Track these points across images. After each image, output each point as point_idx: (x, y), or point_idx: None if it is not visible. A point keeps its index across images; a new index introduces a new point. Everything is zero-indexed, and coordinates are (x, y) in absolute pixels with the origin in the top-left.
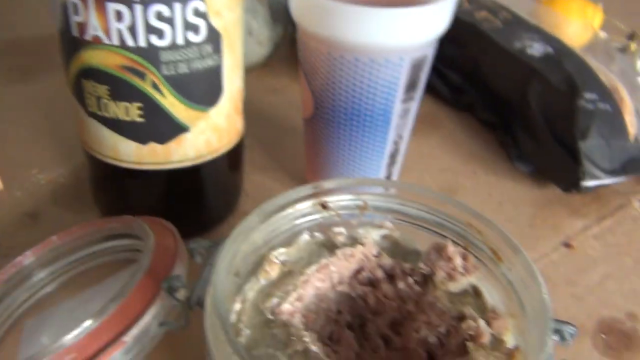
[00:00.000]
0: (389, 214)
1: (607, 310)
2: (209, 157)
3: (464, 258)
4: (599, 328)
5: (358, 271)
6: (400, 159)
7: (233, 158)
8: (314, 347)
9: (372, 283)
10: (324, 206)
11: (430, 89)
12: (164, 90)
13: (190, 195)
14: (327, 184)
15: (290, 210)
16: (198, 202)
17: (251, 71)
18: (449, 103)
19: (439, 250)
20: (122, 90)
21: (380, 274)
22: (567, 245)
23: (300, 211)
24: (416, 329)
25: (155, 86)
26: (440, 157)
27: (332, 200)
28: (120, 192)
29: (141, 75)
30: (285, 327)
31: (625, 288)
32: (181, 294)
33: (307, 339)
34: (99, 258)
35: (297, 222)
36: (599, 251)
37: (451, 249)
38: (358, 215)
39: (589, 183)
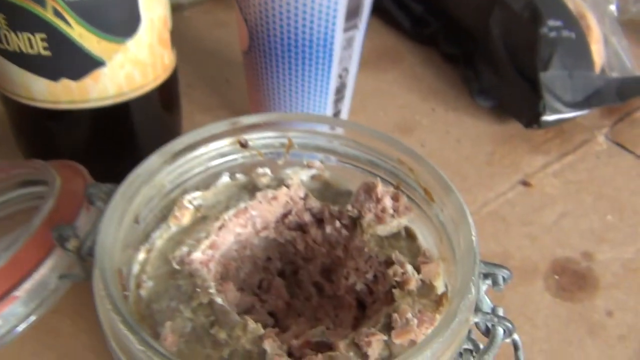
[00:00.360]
0: (317, 152)
1: (562, 250)
2: (133, 95)
3: (395, 198)
4: (552, 269)
5: (285, 215)
6: (348, 94)
7: (165, 96)
8: (219, 299)
9: (302, 228)
10: (243, 145)
11: (390, 20)
12: (70, 19)
13: (117, 137)
14: (246, 120)
15: (203, 150)
16: (127, 145)
17: (201, 3)
18: (411, 36)
19: (368, 190)
20: (21, 19)
21: (308, 217)
22: (525, 183)
23: (217, 151)
24: (345, 276)
25: (58, 14)
26: (398, 94)
27: (253, 138)
28: (41, 135)
29: (40, 2)
30: (191, 278)
31: (583, 227)
32: (72, 244)
33: (212, 290)
34: (8, 208)
35: (214, 162)
36: (558, 189)
37: (380, 189)
38: (283, 155)
39: (550, 117)
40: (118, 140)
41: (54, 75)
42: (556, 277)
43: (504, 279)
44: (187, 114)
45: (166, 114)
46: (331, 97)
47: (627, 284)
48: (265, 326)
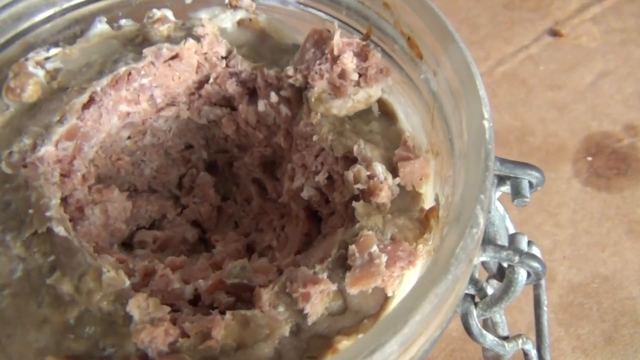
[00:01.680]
0: None
1: (598, 123)
2: None
3: (362, 55)
4: (585, 148)
5: (200, 84)
6: None
7: None
8: (60, 228)
9: (229, 102)
10: None
11: None
12: None
13: None
14: None
15: None
16: None
17: None
18: None
19: (319, 42)
20: None
21: (233, 87)
22: (554, 32)
23: None
24: (290, 175)
25: None
26: None
27: None
28: None
29: None
30: (26, 191)
31: (627, 91)
32: None
33: (50, 213)
34: None
35: (73, 1)
36: (597, 40)
37: (338, 39)
38: None
39: None
40: None
41: None
42: (589, 158)
43: (531, 184)
44: None
45: None
46: None
47: None
48: (183, 242)
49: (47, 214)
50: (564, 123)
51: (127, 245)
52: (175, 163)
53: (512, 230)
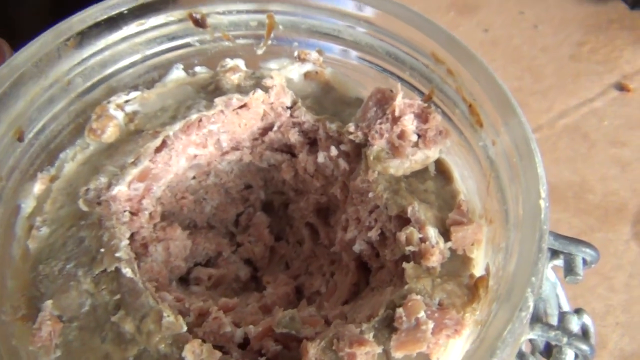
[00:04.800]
0: (314, 38)
1: None
2: None
3: (423, 117)
4: None
5: (264, 131)
6: None
7: None
8: (127, 269)
9: (290, 149)
10: (198, 22)
11: None
12: None
13: None
14: None
15: (133, 28)
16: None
17: None
18: None
19: (382, 102)
20: None
21: (295, 137)
22: (622, 87)
23: (159, 30)
24: (344, 225)
25: None
26: None
27: (212, 11)
28: None
29: None
30: (98, 229)
31: None
32: None
33: (120, 254)
34: None
35: (156, 49)
36: None
37: (400, 101)
38: (263, 40)
39: None
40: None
41: None
42: None
43: (584, 262)
44: None
45: None
46: None
47: None
48: (236, 280)
49: (117, 254)
50: (626, 181)
51: (184, 279)
52: (234, 202)
53: (563, 299)
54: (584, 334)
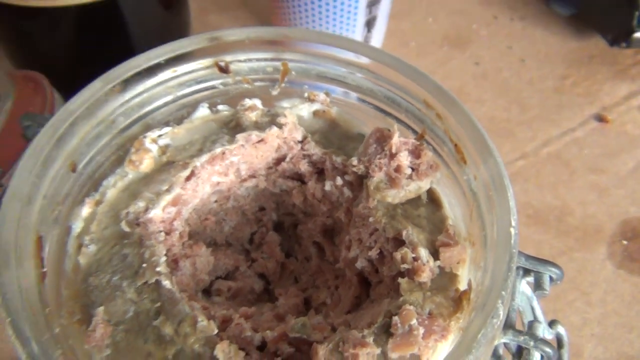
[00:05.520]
0: (322, 82)
1: (636, 209)
2: None
3: (416, 153)
4: (621, 232)
5: (278, 161)
6: None
7: None
8: (166, 282)
9: (300, 177)
10: (223, 69)
11: None
12: None
13: (104, 41)
14: (228, 36)
15: (168, 74)
16: (118, 52)
17: None
18: None
19: (381, 140)
20: None
21: (305, 167)
22: (601, 118)
23: (189, 75)
24: (347, 245)
25: None
26: None
27: (237, 60)
28: (18, 39)
29: None
30: (140, 247)
31: None
32: None
33: (160, 268)
34: None
35: (186, 90)
36: None
37: (397, 139)
38: (278, 83)
39: None
40: (107, 46)
41: None
42: (625, 242)
43: (551, 279)
44: (199, 13)
45: (167, 14)
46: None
47: None
48: (251, 292)
49: (157, 269)
50: (603, 206)
51: (206, 291)
52: (249, 222)
53: (538, 311)
54: (558, 342)
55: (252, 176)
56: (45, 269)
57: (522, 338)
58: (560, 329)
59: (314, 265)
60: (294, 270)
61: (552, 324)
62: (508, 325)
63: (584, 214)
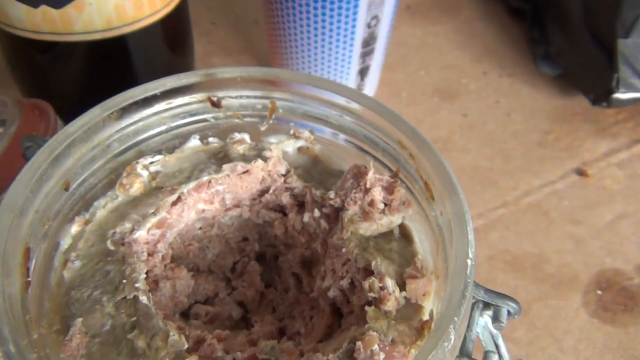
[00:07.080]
0: (306, 120)
1: (611, 260)
2: (127, 30)
3: (389, 190)
4: (596, 282)
5: (262, 193)
6: (380, 47)
7: (169, 33)
8: (144, 297)
9: (282, 209)
10: (215, 103)
11: None
12: None
13: (112, 77)
14: (222, 73)
15: (163, 106)
16: (124, 88)
17: None
18: None
19: (357, 176)
20: None
21: (287, 199)
22: (581, 172)
23: (183, 108)
24: (322, 275)
25: None
26: (446, 51)
27: (226, 95)
28: (28, 69)
29: None
30: (122, 265)
31: None
32: None
33: (138, 285)
34: None
35: (179, 122)
36: (620, 183)
37: (371, 176)
38: (266, 120)
39: (623, 95)
40: (113, 81)
41: (33, 1)
42: (599, 292)
43: (509, 313)
44: (203, 56)
45: (172, 55)
46: (357, 49)
47: None
48: (229, 318)
49: (136, 285)
50: (579, 256)
51: (185, 314)
52: (232, 251)
53: (503, 349)
54: None
55: (237, 206)
56: (29, 279)
57: None
58: None
59: (292, 296)
60: (272, 300)
61: None
62: (464, 354)
63: (560, 263)
